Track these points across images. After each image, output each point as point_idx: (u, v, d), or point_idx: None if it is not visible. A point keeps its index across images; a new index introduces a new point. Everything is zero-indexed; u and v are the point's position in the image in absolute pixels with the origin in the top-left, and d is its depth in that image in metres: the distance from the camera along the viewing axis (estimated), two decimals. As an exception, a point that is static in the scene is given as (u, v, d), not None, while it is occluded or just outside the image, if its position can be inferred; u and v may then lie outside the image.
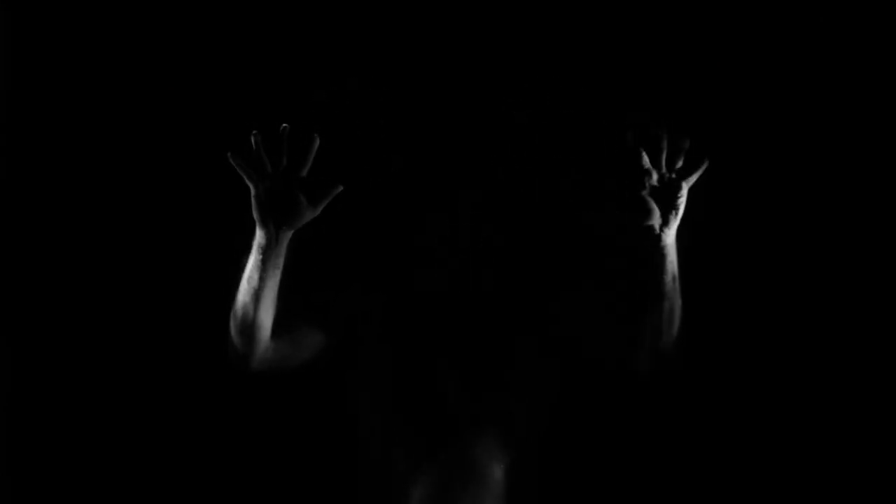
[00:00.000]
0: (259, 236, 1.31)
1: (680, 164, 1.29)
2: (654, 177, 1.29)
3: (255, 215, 1.29)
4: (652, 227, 1.30)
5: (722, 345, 1.73)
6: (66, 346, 1.76)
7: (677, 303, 1.37)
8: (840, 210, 1.75)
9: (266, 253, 1.31)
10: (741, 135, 1.77)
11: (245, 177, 1.28)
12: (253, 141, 1.27)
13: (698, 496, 1.74)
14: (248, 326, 1.35)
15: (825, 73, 1.76)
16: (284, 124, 1.27)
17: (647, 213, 1.29)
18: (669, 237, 1.32)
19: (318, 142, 1.29)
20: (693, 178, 1.30)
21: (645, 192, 1.28)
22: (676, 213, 1.30)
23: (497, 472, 1.43)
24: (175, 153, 1.79)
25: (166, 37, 1.79)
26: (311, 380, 1.69)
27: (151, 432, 1.77)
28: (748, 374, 1.75)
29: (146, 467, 1.76)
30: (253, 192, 1.29)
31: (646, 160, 1.27)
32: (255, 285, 1.33)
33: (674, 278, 1.35)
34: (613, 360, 1.50)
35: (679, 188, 1.29)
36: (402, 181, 1.76)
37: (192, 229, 1.79)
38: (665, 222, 1.30)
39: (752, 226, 1.77)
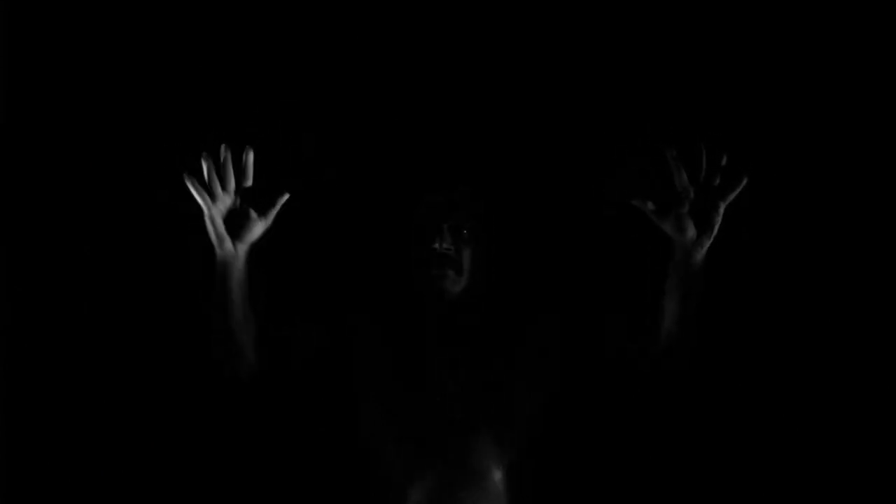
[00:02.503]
0: (219, 256, 1.30)
1: (717, 181, 1.25)
2: (691, 194, 1.25)
3: (212, 236, 1.29)
4: (683, 244, 1.27)
5: (721, 348, 1.72)
6: (65, 348, 1.76)
7: (694, 315, 1.34)
8: (846, 211, 1.75)
9: (229, 270, 1.31)
10: (744, 136, 1.77)
11: (199, 199, 1.27)
12: (205, 164, 1.27)
13: (696, 497, 1.73)
14: (228, 344, 1.36)
15: (830, 75, 1.76)
16: (224, 145, 1.27)
17: (681, 230, 1.26)
18: (699, 255, 1.28)
19: (252, 154, 1.30)
20: (730, 197, 1.25)
21: (681, 210, 1.25)
22: (711, 232, 1.26)
23: (495, 473, 1.43)
24: (171, 153, 1.79)
25: (165, 37, 1.79)
26: (312, 383, 1.69)
27: (153, 435, 1.77)
28: (747, 379, 1.75)
29: (148, 470, 1.76)
30: (206, 213, 1.28)
31: (684, 178, 1.24)
32: (224, 304, 1.33)
33: (697, 294, 1.31)
34: (618, 355, 1.49)
35: (715, 207, 1.25)
36: (394, 182, 1.77)
37: (190, 229, 1.78)
38: (698, 241, 1.26)
39: (756, 227, 1.77)
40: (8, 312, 1.74)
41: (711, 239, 1.26)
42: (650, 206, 1.28)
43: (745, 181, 1.24)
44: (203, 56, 1.80)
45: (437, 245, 1.44)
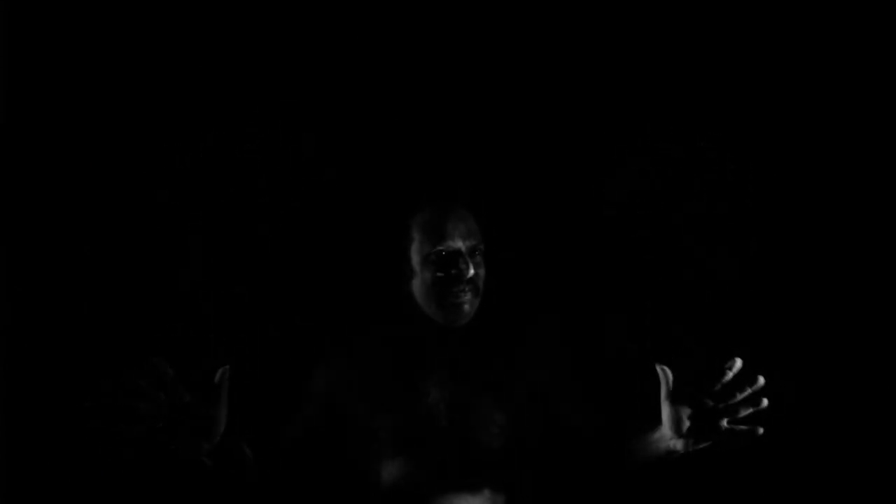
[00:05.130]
0: (208, 464, 1.26)
1: (743, 411, 1.18)
2: (706, 405, 1.19)
3: (184, 454, 1.21)
4: (667, 434, 1.23)
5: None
6: (65, 348, 1.76)
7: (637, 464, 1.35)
8: (848, 213, 1.75)
9: (226, 462, 1.30)
10: (744, 137, 1.77)
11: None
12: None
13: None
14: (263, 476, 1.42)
15: (831, 75, 1.76)
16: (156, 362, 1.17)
17: (674, 423, 1.21)
18: (672, 451, 1.25)
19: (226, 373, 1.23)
20: (736, 442, 1.18)
21: (681, 402, 1.21)
22: (699, 442, 1.21)
23: (496, 485, 1.42)
24: (172, 153, 1.79)
25: (165, 37, 1.79)
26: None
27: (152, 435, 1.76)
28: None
29: (147, 470, 1.76)
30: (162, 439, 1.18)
31: (704, 399, 1.19)
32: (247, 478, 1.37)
33: (647, 462, 1.31)
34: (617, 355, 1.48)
35: (717, 424, 1.18)
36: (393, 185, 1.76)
37: (190, 229, 1.79)
38: (681, 442, 1.22)
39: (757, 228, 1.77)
40: (8, 312, 1.74)
41: (694, 448, 1.22)
42: (668, 380, 1.23)
43: (760, 431, 1.18)
44: (203, 56, 1.79)
45: (464, 272, 1.39)
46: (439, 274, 1.41)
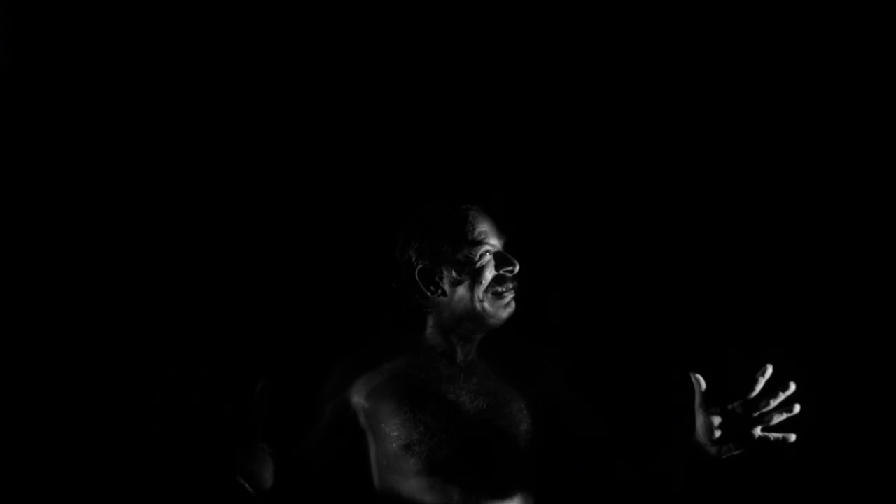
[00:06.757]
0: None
1: (776, 417, 1.19)
2: (738, 407, 1.20)
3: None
4: (702, 439, 1.23)
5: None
6: (65, 348, 1.76)
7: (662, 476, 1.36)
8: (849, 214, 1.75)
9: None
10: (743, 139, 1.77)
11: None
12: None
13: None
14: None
15: (831, 76, 1.76)
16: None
17: (709, 430, 1.22)
18: (702, 455, 1.25)
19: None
20: (771, 431, 1.19)
21: (714, 410, 1.21)
22: (734, 449, 1.21)
23: (512, 489, 1.41)
24: (172, 153, 1.80)
25: (165, 37, 1.79)
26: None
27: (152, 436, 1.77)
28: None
29: (146, 471, 1.76)
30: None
31: (737, 406, 1.20)
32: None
33: (676, 472, 1.33)
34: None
35: (751, 432, 1.19)
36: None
37: (190, 229, 1.79)
38: (717, 447, 1.22)
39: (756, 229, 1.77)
40: (8, 312, 1.74)
41: (727, 455, 1.23)
42: (701, 388, 1.24)
43: (792, 438, 1.19)
44: (203, 56, 1.80)
45: (511, 270, 1.41)
46: (496, 273, 1.41)
